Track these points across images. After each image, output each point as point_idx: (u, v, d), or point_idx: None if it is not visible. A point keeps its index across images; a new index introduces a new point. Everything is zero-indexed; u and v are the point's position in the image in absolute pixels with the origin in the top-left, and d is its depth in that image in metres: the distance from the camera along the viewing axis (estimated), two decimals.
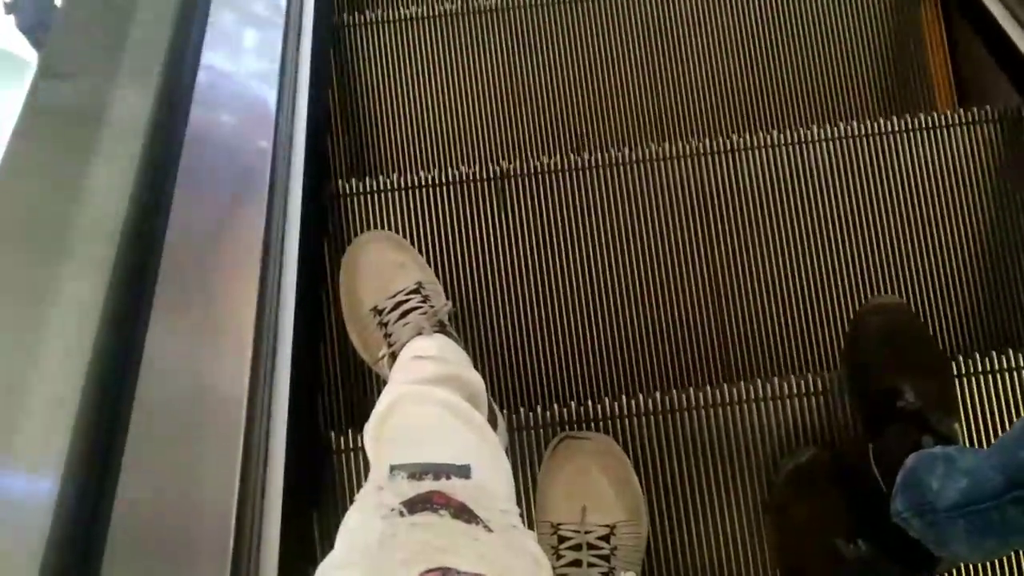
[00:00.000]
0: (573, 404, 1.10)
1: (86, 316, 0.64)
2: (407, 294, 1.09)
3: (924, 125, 1.34)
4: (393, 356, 1.04)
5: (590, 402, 1.10)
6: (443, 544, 0.60)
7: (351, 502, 0.71)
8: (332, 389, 1.25)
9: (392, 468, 0.70)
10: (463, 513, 0.64)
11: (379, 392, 0.92)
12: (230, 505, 0.79)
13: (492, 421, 1.04)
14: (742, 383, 1.10)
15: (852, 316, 1.07)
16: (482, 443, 0.83)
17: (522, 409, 1.10)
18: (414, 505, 0.64)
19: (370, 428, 0.86)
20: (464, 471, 0.71)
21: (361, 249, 1.20)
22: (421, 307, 1.07)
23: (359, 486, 1.05)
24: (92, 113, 0.81)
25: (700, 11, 1.56)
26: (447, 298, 1.16)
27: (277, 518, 0.87)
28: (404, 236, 1.30)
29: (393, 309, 1.08)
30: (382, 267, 1.17)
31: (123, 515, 0.59)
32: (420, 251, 1.29)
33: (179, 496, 0.74)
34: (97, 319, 0.64)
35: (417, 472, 0.69)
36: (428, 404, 0.85)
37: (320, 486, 1.09)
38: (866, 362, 1.03)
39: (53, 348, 0.62)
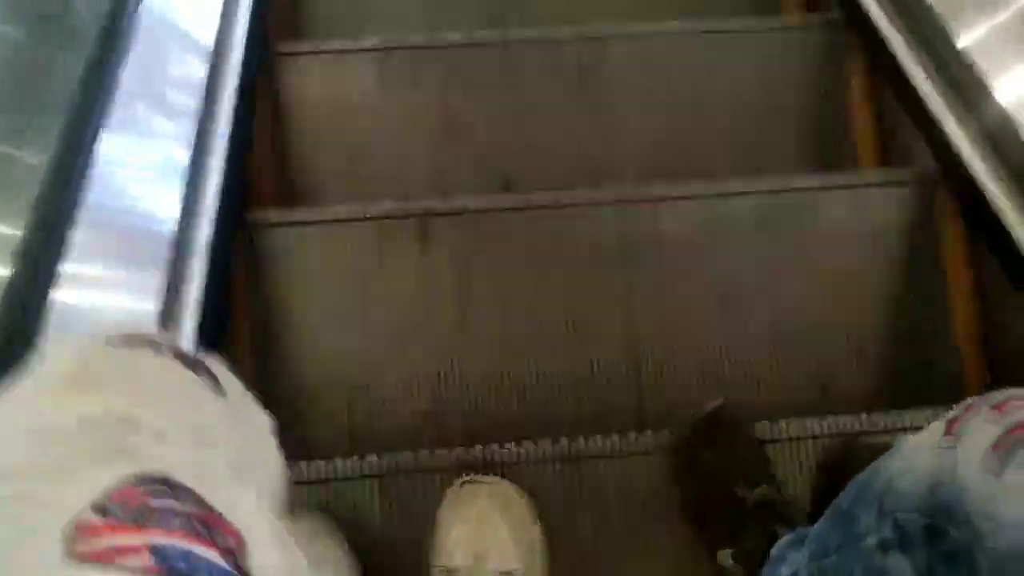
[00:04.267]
0: (477, 447, 1.09)
1: None
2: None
3: (844, 182, 1.37)
4: None
5: (495, 445, 1.09)
6: (156, 396, 0.51)
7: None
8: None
9: None
10: (193, 363, 0.56)
11: None
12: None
13: None
14: (649, 432, 1.10)
15: (676, 438, 1.08)
16: None
17: (424, 451, 1.09)
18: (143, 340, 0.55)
19: None
20: None
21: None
22: None
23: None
24: None
25: (630, 61, 1.58)
26: None
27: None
28: (327, 269, 1.29)
29: None
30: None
31: None
32: (339, 287, 1.28)
33: None
34: None
35: None
36: None
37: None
38: (706, 468, 1.04)
39: None
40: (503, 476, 1.07)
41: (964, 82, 1.28)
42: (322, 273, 1.29)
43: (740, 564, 0.97)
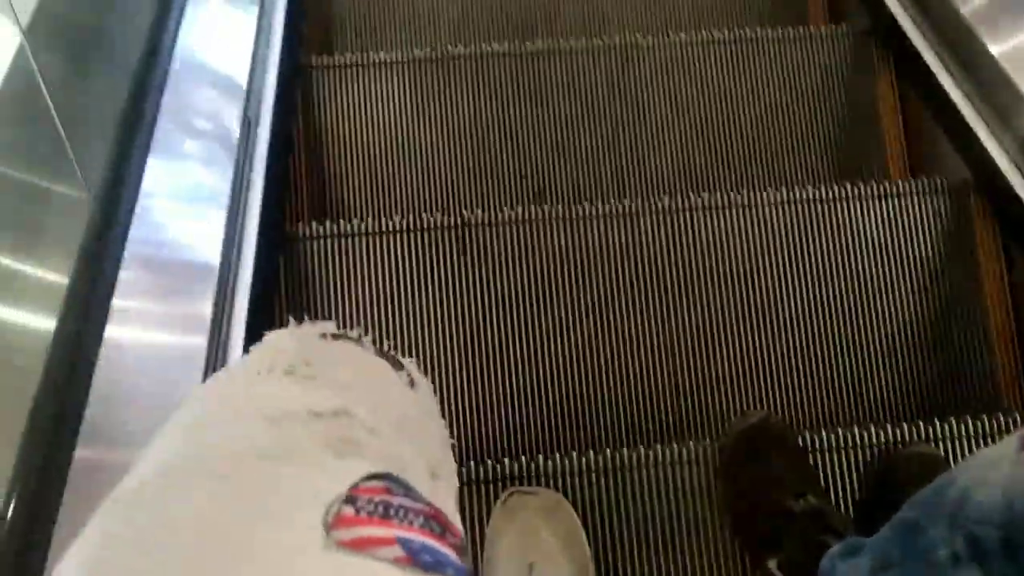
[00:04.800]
0: (523, 459, 1.10)
1: None
2: None
3: (875, 193, 1.38)
4: None
5: (540, 457, 1.10)
6: (368, 390, 0.52)
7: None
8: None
9: None
10: (386, 351, 0.57)
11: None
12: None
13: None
14: (691, 442, 1.11)
15: (720, 448, 1.09)
16: None
17: (472, 462, 1.10)
18: (335, 335, 0.55)
19: None
20: None
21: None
22: None
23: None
24: None
25: (662, 73, 1.59)
26: None
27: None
28: (364, 281, 1.30)
29: None
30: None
31: None
32: (378, 298, 1.29)
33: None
34: None
35: None
36: None
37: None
38: (751, 479, 1.05)
39: None
40: (550, 487, 1.08)
41: (997, 89, 1.29)
42: None
43: (786, 573, 0.98)
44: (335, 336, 0.54)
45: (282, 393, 0.47)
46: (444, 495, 0.50)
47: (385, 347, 0.56)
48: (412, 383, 0.56)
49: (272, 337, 0.53)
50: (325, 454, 0.42)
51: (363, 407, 0.47)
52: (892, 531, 0.76)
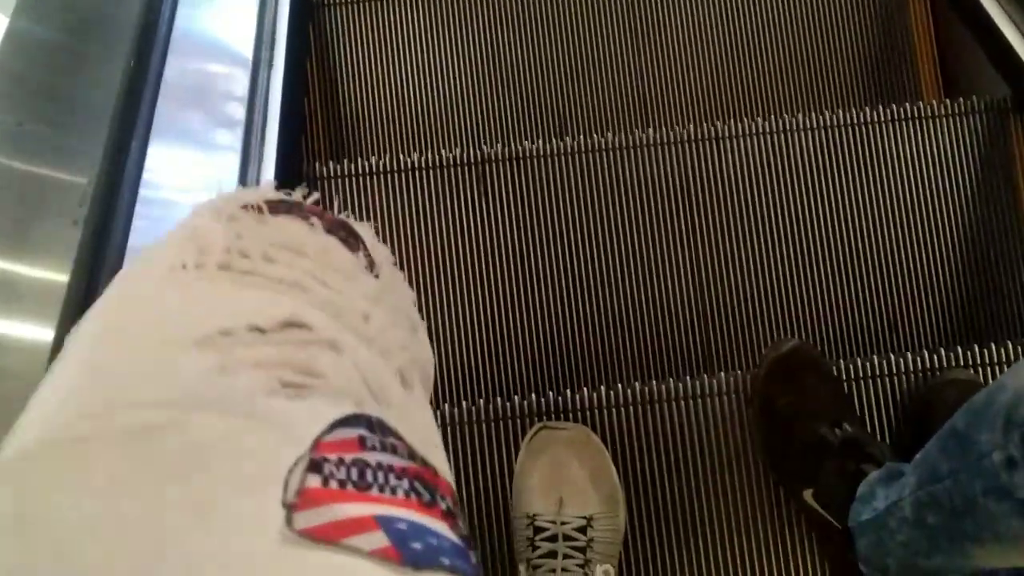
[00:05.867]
0: (551, 394, 1.08)
1: None
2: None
3: (911, 115, 1.33)
4: None
5: (568, 392, 1.08)
6: (315, 287, 0.40)
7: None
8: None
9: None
10: (340, 228, 0.45)
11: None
12: None
13: None
14: (722, 374, 1.09)
15: (752, 378, 1.05)
16: None
17: (499, 398, 1.08)
18: (276, 205, 0.43)
19: None
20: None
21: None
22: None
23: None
24: None
25: None
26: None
27: None
28: (383, 220, 1.28)
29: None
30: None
31: None
32: (401, 237, 1.27)
33: None
34: None
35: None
36: None
37: None
38: (785, 410, 1.02)
39: None
40: (578, 421, 1.06)
41: None
42: None
43: (823, 503, 0.96)
44: (272, 207, 0.42)
45: (214, 300, 0.37)
46: (419, 405, 0.41)
47: (335, 211, 0.45)
48: (371, 264, 0.45)
49: (196, 219, 0.41)
50: (276, 396, 0.32)
51: (317, 311, 0.37)
52: (938, 445, 0.74)
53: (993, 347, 1.10)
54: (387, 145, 1.50)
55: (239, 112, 1.16)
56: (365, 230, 0.46)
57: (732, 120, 1.32)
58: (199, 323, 0.35)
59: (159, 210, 0.88)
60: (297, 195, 0.45)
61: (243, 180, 1.10)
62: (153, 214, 0.84)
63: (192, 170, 1.07)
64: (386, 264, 0.46)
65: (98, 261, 0.68)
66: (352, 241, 0.44)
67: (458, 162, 1.29)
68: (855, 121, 1.31)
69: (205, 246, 0.39)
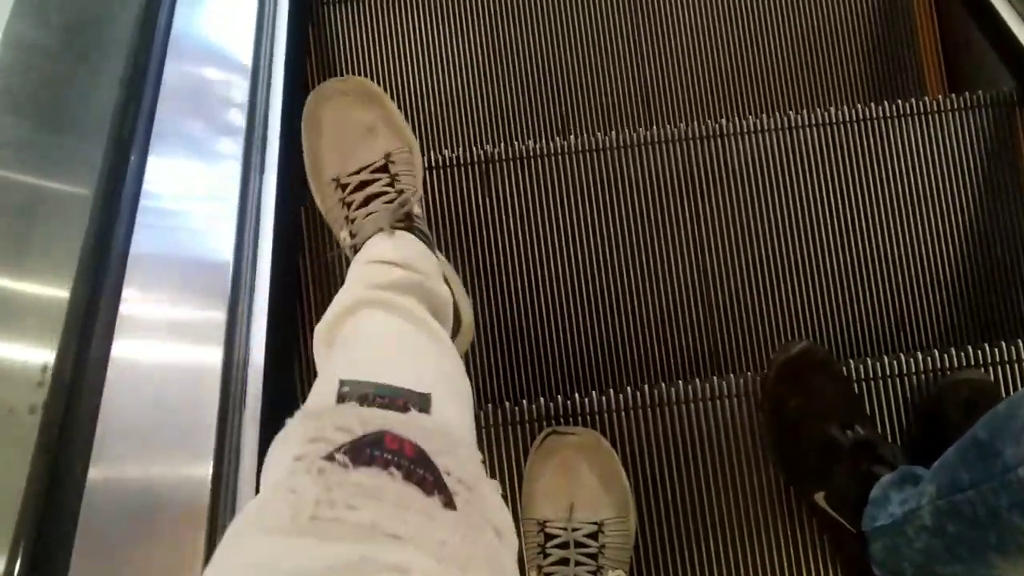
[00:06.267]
0: (560, 398, 1.07)
1: None
2: (372, 172, 0.96)
3: (915, 111, 1.31)
4: (355, 249, 0.93)
5: (577, 396, 1.08)
6: (393, 528, 0.48)
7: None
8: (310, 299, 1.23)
9: (342, 384, 0.60)
10: (418, 468, 0.53)
11: None
12: (212, 410, 0.79)
13: (456, 326, 0.98)
14: (731, 376, 1.08)
15: (762, 381, 1.05)
16: (446, 368, 0.73)
17: (507, 403, 1.07)
18: (360, 452, 0.52)
19: (321, 331, 0.77)
20: (424, 401, 0.61)
21: (325, 102, 1.03)
22: (387, 192, 0.95)
23: None
24: None
25: None
26: (423, 167, 1.02)
27: (255, 426, 0.86)
28: None
29: (356, 189, 0.95)
30: (346, 129, 1.01)
31: None
32: None
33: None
34: None
35: (370, 395, 0.59)
36: (390, 314, 0.75)
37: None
38: (795, 411, 1.01)
39: None
40: (587, 425, 1.06)
41: None
42: None
43: (835, 506, 0.95)
44: (355, 457, 0.51)
45: (310, 558, 0.45)
46: None
47: (416, 453, 0.53)
48: (448, 501, 0.52)
49: (294, 479, 0.51)
50: None
51: (392, 545, 0.46)
52: (959, 454, 0.73)
53: (1004, 345, 1.09)
54: None
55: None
56: (447, 464, 0.54)
57: (736, 117, 1.31)
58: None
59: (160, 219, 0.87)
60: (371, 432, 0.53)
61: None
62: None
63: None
64: (465, 495, 0.54)
65: None
66: (429, 482, 0.52)
67: (460, 162, 1.28)
68: (860, 117, 1.30)
69: (300, 505, 0.48)
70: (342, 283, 0.88)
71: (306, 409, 0.59)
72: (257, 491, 0.62)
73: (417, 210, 0.96)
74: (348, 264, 0.93)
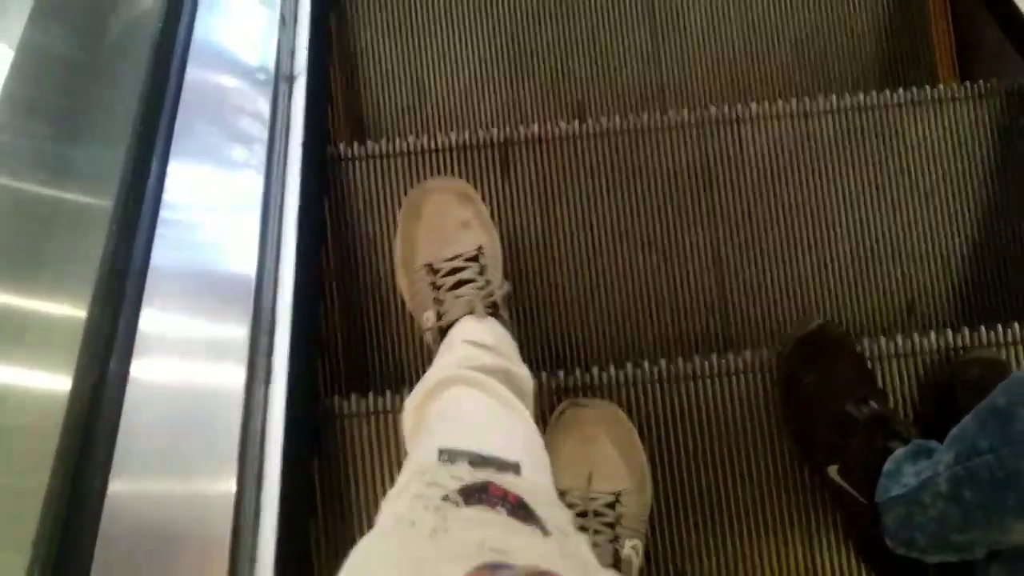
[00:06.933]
0: (578, 371, 1.09)
1: None
2: (465, 260, 1.05)
3: (929, 98, 1.33)
4: (441, 330, 1.00)
5: (595, 369, 1.09)
6: (500, 545, 0.56)
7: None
8: (334, 354, 1.24)
9: (442, 451, 0.68)
10: (519, 510, 0.61)
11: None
12: (231, 471, 0.79)
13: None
14: (747, 352, 1.10)
15: (778, 357, 1.07)
16: (531, 442, 0.82)
17: None
18: (470, 494, 0.61)
19: (416, 399, 0.86)
20: (515, 468, 0.69)
21: (426, 196, 1.14)
22: (477, 280, 1.03)
23: (362, 451, 1.05)
24: None
25: None
26: (505, 275, 1.12)
27: (276, 477, 0.87)
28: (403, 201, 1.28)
29: (448, 274, 1.04)
30: (444, 222, 1.11)
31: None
32: None
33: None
34: None
35: (475, 461, 0.67)
36: (481, 392, 0.84)
37: (321, 451, 1.08)
38: (810, 387, 1.03)
39: None
40: (604, 398, 1.07)
41: None
42: None
43: (848, 479, 0.97)
44: (467, 498, 0.61)
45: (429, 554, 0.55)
46: None
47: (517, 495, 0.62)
48: (546, 531, 0.61)
49: (414, 515, 0.60)
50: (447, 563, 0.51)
51: (502, 557, 0.54)
52: (977, 421, 0.75)
53: (1016, 326, 1.11)
54: (408, 128, 1.51)
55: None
56: (542, 507, 0.63)
57: (748, 103, 1.32)
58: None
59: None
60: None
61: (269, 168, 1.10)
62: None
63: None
64: (563, 525, 0.64)
65: None
66: (529, 519, 0.61)
67: (480, 144, 1.30)
68: (871, 104, 1.32)
69: (419, 530, 0.57)
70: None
71: (419, 462, 0.69)
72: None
73: (500, 300, 1.03)
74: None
